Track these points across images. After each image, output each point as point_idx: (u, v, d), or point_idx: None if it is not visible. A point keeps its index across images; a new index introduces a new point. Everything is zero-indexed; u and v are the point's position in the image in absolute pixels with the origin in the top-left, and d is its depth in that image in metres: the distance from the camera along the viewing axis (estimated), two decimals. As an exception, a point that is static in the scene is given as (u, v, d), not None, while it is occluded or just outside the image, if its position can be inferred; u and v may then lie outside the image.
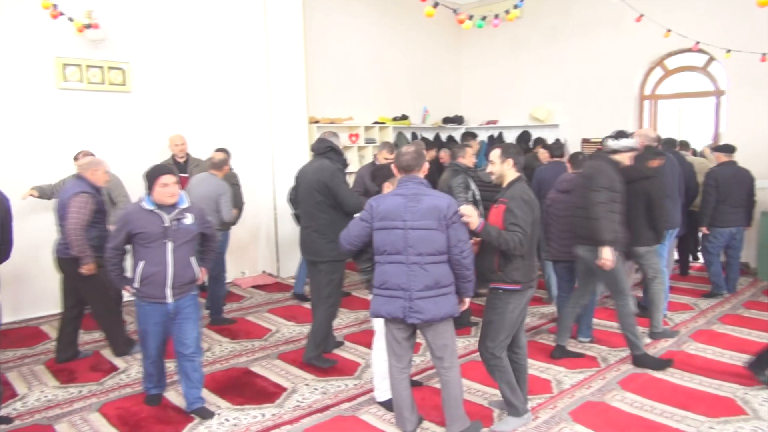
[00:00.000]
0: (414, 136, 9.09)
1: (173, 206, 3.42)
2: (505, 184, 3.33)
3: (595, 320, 4.89)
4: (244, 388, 4.01)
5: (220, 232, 5.03)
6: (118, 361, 4.50)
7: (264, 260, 7.34)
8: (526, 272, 3.26)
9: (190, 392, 3.59)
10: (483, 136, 9.47)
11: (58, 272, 4.43)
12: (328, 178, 4.17)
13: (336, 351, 4.65)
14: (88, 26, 5.52)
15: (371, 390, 3.86)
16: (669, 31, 6.37)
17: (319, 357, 4.36)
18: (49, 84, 5.60)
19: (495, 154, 3.35)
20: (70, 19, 5.32)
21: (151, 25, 6.16)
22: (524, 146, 8.54)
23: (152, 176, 3.41)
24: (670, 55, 7.79)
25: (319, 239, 4.20)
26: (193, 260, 3.52)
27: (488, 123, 9.51)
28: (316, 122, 7.70)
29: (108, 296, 4.46)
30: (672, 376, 4.06)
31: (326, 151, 4.30)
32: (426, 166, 3.21)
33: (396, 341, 3.17)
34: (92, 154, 4.86)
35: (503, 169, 3.32)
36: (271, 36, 6.92)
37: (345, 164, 4.41)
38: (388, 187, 3.61)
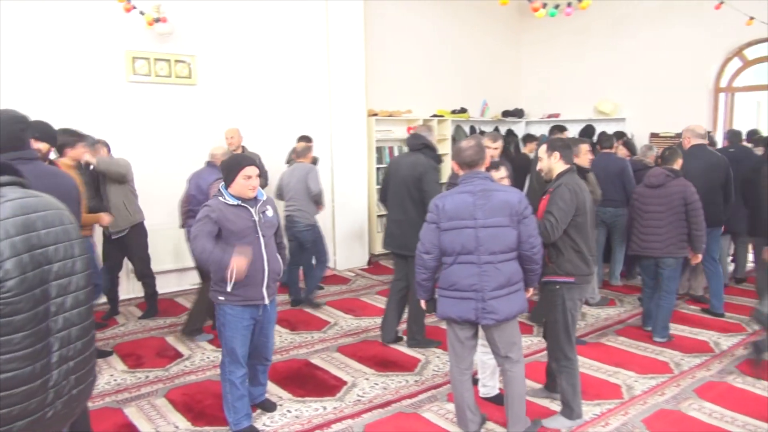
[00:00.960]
0: (472, 129, 8.94)
1: (254, 199, 3.16)
2: (554, 177, 3.28)
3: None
4: (304, 380, 4.02)
5: (309, 229, 5.47)
6: (182, 348, 4.59)
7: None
8: (579, 265, 3.17)
9: (257, 389, 3.53)
10: (543, 129, 9.22)
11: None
12: (421, 174, 4.25)
13: (395, 346, 4.61)
14: (157, 20, 5.64)
15: (433, 387, 3.81)
16: (752, 18, 5.99)
17: (425, 339, 4.54)
18: (120, 77, 5.77)
19: (542, 149, 3.34)
20: (142, 13, 5.46)
21: (216, 19, 6.26)
22: (587, 141, 8.25)
23: (235, 167, 3.09)
24: (750, 44, 7.34)
25: (409, 231, 4.15)
26: (278, 255, 3.31)
27: (549, 116, 9.25)
28: (375, 115, 7.66)
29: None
30: (753, 386, 3.81)
31: (421, 147, 4.39)
32: (488, 159, 3.11)
33: (459, 341, 3.09)
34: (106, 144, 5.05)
35: (551, 163, 3.28)
36: (332, 31, 6.94)
37: (439, 161, 4.49)
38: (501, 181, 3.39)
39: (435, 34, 8.44)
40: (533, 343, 4.61)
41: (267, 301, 3.19)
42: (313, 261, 5.75)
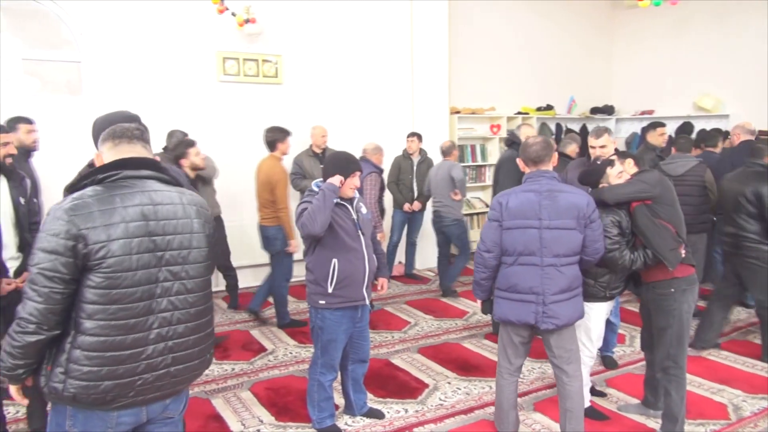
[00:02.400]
0: (558, 127, 8.61)
1: (350, 198, 3.14)
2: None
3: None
4: (386, 380, 3.98)
5: (455, 223, 5.79)
6: (266, 342, 4.68)
7: (400, 250, 7.32)
8: (689, 257, 3.09)
9: (359, 397, 3.46)
10: (635, 127, 8.75)
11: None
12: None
13: (478, 350, 4.49)
14: (247, 21, 5.79)
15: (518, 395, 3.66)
16: None
17: None
18: (211, 76, 5.97)
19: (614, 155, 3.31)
20: (233, 14, 5.62)
21: (302, 19, 6.35)
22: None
23: (350, 167, 3.07)
24: None
25: None
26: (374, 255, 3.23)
27: (642, 113, 8.75)
28: (458, 112, 7.54)
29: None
30: None
31: (510, 143, 4.79)
32: (555, 157, 2.99)
33: (513, 344, 3.02)
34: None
35: (626, 168, 3.20)
36: (416, 29, 6.89)
37: None
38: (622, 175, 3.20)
39: (521, 29, 8.19)
40: (626, 353, 4.35)
41: (367, 302, 3.16)
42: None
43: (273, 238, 4.77)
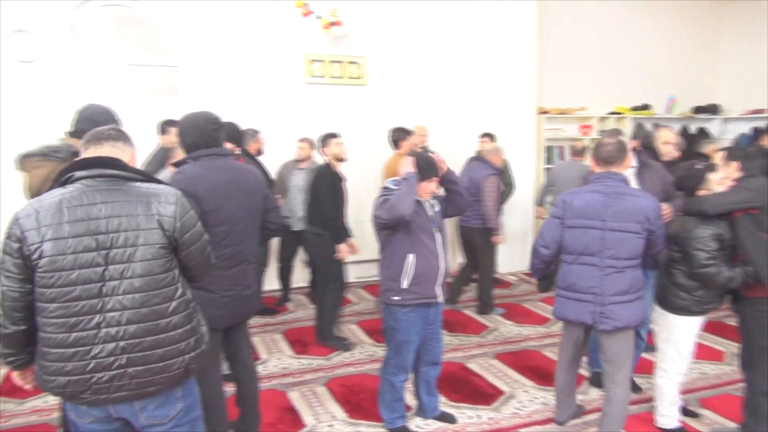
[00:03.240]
0: (655, 127, 8.10)
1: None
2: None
3: None
4: (460, 384, 3.91)
5: None
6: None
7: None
8: None
9: (431, 400, 3.41)
10: (743, 127, 8.08)
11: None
12: None
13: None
14: (333, 24, 5.91)
15: (597, 409, 3.47)
16: None
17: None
18: (298, 78, 6.14)
19: (720, 155, 3.03)
20: (318, 17, 5.75)
21: (387, 21, 6.39)
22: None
23: (428, 172, 3.03)
24: None
25: None
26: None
27: (753, 112, 8.06)
28: (545, 113, 7.29)
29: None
30: None
31: (646, 147, 4.60)
32: (628, 160, 2.92)
33: (573, 344, 3.07)
34: (313, 142, 5.36)
35: (728, 174, 2.96)
36: (502, 28, 6.72)
37: None
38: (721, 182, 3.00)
39: (615, 26, 7.78)
40: (724, 372, 4.02)
41: (441, 300, 3.14)
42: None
43: None
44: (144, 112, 5.59)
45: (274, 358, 4.37)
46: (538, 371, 4.09)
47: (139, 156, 2.28)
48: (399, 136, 5.16)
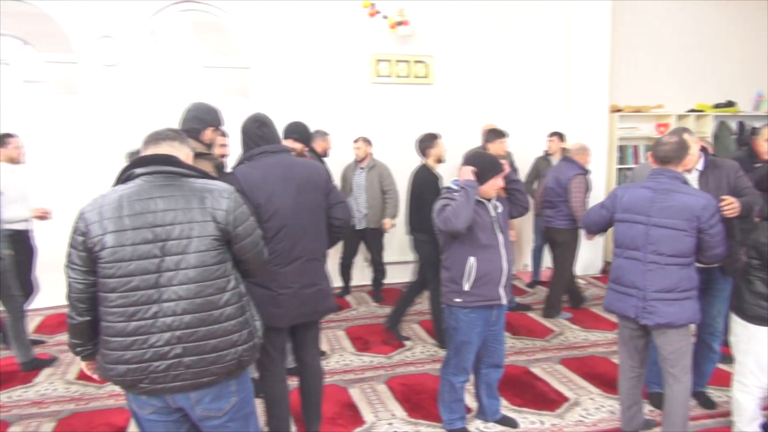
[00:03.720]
0: (741, 126, 7.63)
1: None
2: None
3: None
4: (523, 388, 3.83)
5: None
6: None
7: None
8: None
9: (492, 402, 3.36)
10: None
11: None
12: None
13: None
14: (400, 23, 5.92)
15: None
16: None
17: None
18: (365, 78, 6.20)
19: None
20: (385, 17, 5.79)
21: (454, 19, 6.34)
22: None
23: (496, 168, 3.00)
24: None
25: None
26: None
27: None
28: (619, 111, 7.01)
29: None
30: None
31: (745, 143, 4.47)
32: (689, 160, 2.88)
33: (624, 339, 3.02)
34: (368, 140, 5.50)
35: None
36: (574, 25, 6.53)
37: None
38: None
39: (696, 20, 7.36)
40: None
41: (505, 302, 3.09)
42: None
43: None
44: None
45: (336, 355, 4.43)
46: (605, 379, 3.94)
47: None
48: (427, 144, 4.50)
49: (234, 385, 2.01)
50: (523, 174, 5.99)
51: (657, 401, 3.42)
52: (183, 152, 2.06)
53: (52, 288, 4.32)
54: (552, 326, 5.03)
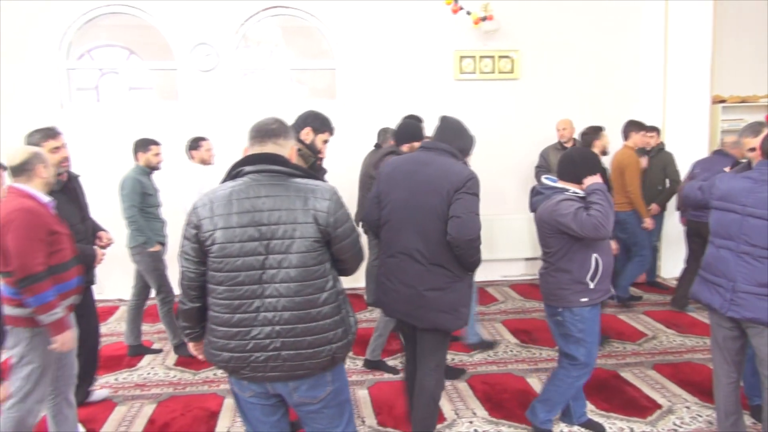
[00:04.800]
0: None
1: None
2: None
3: None
4: (611, 393, 3.67)
5: None
6: (488, 338, 4.68)
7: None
8: None
9: (579, 405, 3.25)
10: None
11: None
12: None
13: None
14: (484, 18, 5.85)
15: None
16: None
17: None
18: (448, 76, 6.18)
19: None
20: (468, 13, 5.74)
21: (540, 13, 6.17)
22: None
23: (598, 164, 2.96)
24: None
25: None
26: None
27: None
28: (722, 101, 6.54)
29: None
30: None
31: None
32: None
33: (722, 339, 2.83)
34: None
35: None
36: (672, 13, 6.17)
37: None
38: None
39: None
40: None
41: (614, 292, 3.07)
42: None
43: (624, 222, 5.03)
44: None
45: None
46: (702, 387, 3.70)
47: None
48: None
49: (330, 375, 2.07)
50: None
51: (759, 414, 3.18)
52: (287, 147, 2.10)
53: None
54: (644, 329, 4.79)
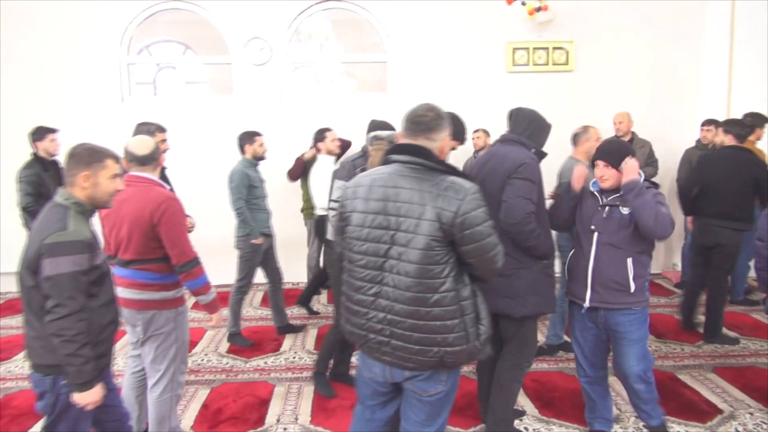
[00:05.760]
0: None
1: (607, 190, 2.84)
2: None
3: None
4: (668, 396, 3.53)
5: None
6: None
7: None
8: None
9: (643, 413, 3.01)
10: None
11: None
12: None
13: (796, 381, 3.68)
14: (539, 9, 5.72)
15: None
16: None
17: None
18: (500, 68, 6.08)
19: None
20: (523, 4, 5.62)
21: (596, 3, 5.99)
22: None
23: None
24: None
25: None
26: (629, 262, 2.74)
27: None
28: (792, 94, 6.19)
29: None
30: None
31: None
32: None
33: None
34: (487, 131, 5.41)
35: None
36: (738, 18, 5.89)
37: None
38: None
39: None
40: None
41: (586, 304, 2.88)
42: None
43: None
44: (355, 107, 6.03)
45: (466, 346, 4.41)
46: (766, 392, 3.54)
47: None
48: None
49: (445, 375, 2.06)
50: (667, 166, 5.55)
51: None
52: (439, 141, 2.04)
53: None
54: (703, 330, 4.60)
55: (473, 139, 5.59)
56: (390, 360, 2.02)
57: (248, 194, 4.35)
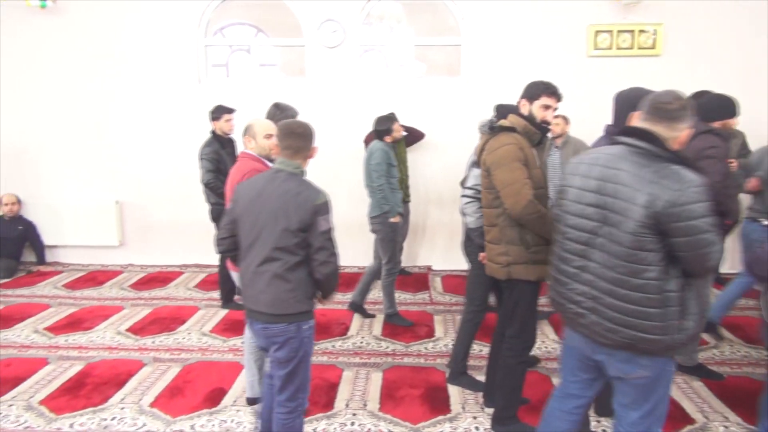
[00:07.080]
0: None
1: None
2: None
3: None
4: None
5: None
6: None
7: None
8: None
9: None
10: None
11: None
12: None
13: None
14: (625, -11, 5.41)
15: None
16: None
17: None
18: (581, 52, 5.80)
19: None
20: (607, -17, 5.33)
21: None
22: None
23: None
24: None
25: None
26: None
27: None
28: None
29: None
30: None
31: None
32: None
33: None
34: (567, 118, 5.03)
35: None
36: None
37: None
38: None
39: None
40: None
41: None
42: None
43: None
44: (426, 90, 5.92)
45: (537, 341, 4.27)
46: None
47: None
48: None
49: (647, 360, 2.03)
50: None
51: None
52: (679, 131, 2.01)
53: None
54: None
55: (552, 125, 5.34)
56: (585, 332, 2.11)
57: (388, 172, 4.42)
